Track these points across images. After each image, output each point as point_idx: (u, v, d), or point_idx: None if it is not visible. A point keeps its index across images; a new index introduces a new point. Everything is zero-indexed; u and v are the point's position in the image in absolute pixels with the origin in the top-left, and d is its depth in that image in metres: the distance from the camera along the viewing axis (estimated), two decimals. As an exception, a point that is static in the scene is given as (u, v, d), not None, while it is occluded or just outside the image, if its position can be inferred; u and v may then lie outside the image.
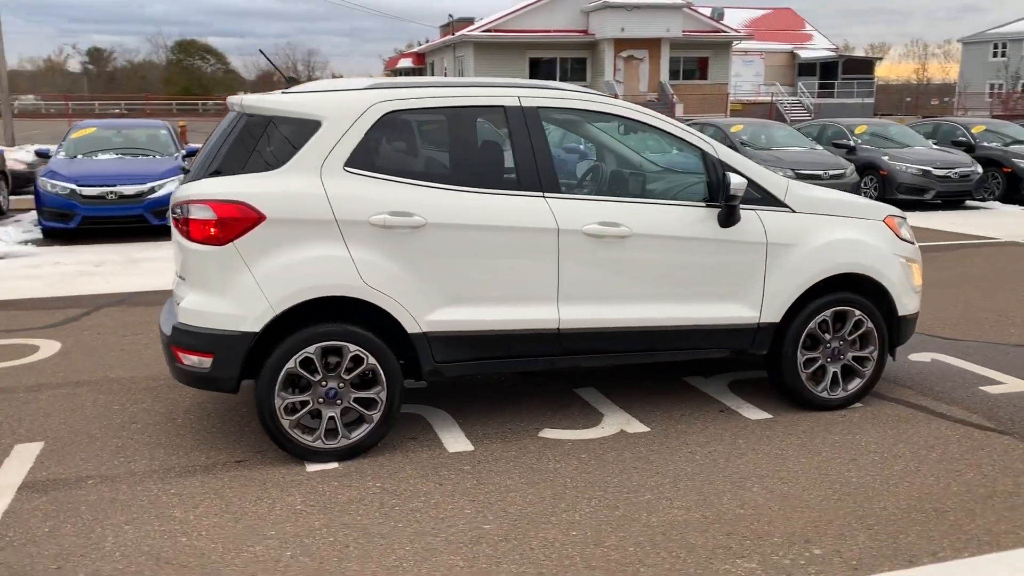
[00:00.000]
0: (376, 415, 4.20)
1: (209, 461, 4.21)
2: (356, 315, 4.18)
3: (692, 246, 4.54)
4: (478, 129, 4.42)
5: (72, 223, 10.93)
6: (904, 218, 5.18)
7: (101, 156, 12.06)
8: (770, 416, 4.82)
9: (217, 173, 4.07)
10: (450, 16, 45.78)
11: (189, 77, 74.86)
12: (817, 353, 4.85)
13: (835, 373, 4.90)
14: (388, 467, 4.13)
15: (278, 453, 4.23)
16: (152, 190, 11.09)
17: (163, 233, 11.04)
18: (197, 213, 3.98)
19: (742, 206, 4.61)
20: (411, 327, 4.20)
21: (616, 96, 39.10)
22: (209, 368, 4.03)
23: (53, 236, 11.26)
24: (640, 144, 5.57)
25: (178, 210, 4.10)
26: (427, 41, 45.49)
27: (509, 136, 4.37)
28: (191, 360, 4.06)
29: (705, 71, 42.42)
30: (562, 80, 41.75)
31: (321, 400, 4.13)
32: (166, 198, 10.81)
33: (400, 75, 55.18)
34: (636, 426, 4.67)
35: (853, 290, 4.86)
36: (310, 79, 4.74)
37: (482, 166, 4.34)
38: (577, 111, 4.59)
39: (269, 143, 4.10)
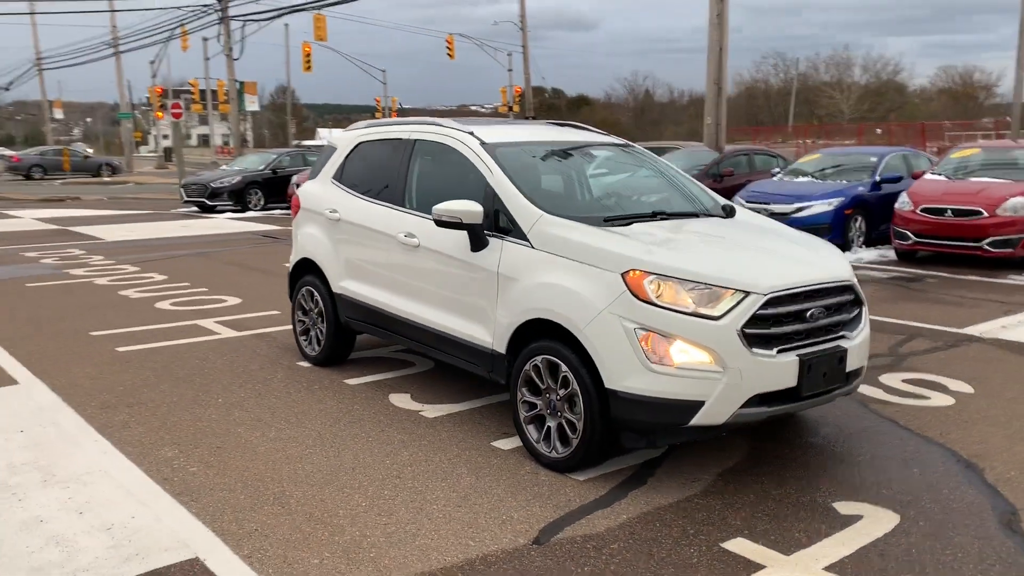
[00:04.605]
0: (323, 340, 6.40)
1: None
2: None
3: (449, 263, 5.07)
4: (393, 155, 5.89)
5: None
6: (726, 289, 4.06)
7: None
8: (506, 450, 4.78)
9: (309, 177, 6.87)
10: None
11: None
12: (539, 399, 4.54)
13: (549, 428, 4.47)
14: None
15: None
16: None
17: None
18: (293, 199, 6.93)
19: (497, 235, 4.79)
20: (334, 287, 6.22)
21: None
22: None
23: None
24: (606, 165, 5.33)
25: (302, 196, 7.04)
26: None
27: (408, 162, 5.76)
28: (293, 279, 7.06)
29: None
30: None
31: (312, 322, 6.58)
32: None
33: None
34: (434, 412, 5.40)
35: (566, 342, 4.34)
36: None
37: (382, 183, 5.89)
38: (423, 142, 5.59)
39: (323, 160, 6.66)
